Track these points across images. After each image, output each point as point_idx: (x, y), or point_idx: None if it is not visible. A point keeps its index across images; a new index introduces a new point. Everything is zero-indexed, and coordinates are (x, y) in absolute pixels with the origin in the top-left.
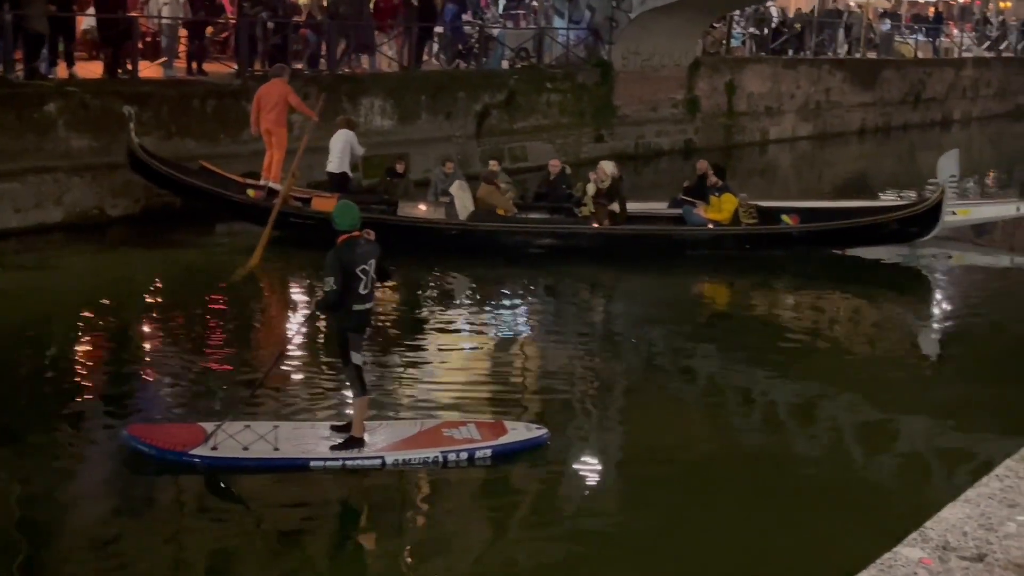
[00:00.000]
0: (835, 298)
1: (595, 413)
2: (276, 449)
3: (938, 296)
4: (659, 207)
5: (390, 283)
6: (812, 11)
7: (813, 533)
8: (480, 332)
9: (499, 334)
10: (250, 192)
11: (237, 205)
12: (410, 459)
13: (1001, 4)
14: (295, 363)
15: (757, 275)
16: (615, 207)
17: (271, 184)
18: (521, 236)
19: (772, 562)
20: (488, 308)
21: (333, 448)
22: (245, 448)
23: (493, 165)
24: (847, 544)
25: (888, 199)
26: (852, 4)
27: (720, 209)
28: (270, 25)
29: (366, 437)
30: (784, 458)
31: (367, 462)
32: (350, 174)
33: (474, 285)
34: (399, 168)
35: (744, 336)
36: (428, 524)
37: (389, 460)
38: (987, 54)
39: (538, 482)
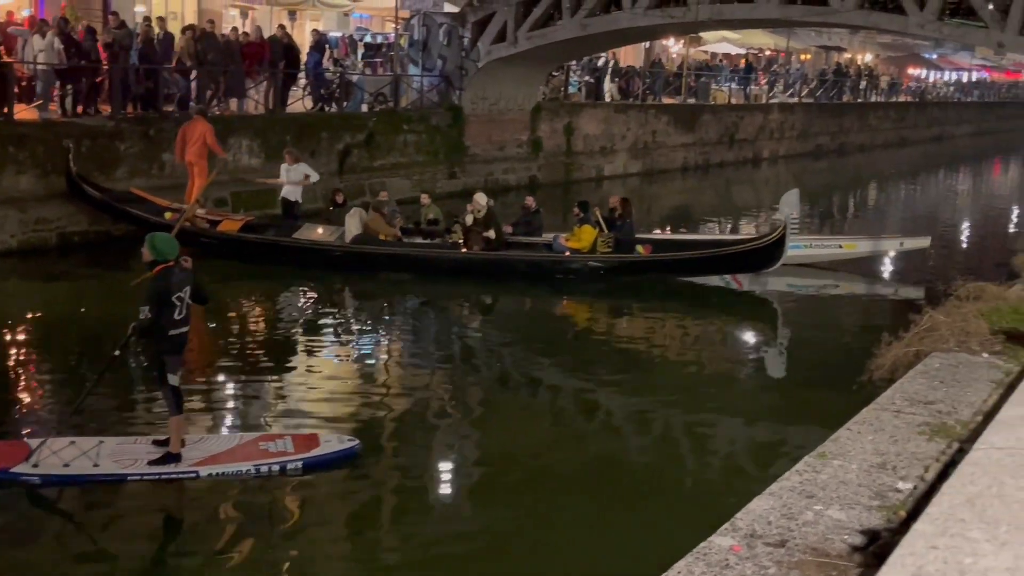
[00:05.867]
0: (677, 321)
1: (444, 424)
2: (96, 465)
3: (770, 319)
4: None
5: (205, 305)
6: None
7: (642, 525)
8: (340, 348)
9: (358, 350)
10: (167, 215)
11: (156, 226)
12: (224, 472)
13: (802, 56)
14: (131, 379)
15: (611, 299)
16: (490, 234)
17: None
18: (397, 258)
19: (604, 555)
20: (356, 325)
21: (151, 463)
22: (66, 465)
23: (382, 195)
24: (671, 536)
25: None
26: (674, 56)
27: (579, 239)
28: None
29: (185, 451)
30: (620, 461)
31: (183, 476)
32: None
33: (350, 302)
34: (338, 199)
35: (592, 353)
36: (236, 534)
37: (203, 473)
38: (791, 100)
39: (386, 490)
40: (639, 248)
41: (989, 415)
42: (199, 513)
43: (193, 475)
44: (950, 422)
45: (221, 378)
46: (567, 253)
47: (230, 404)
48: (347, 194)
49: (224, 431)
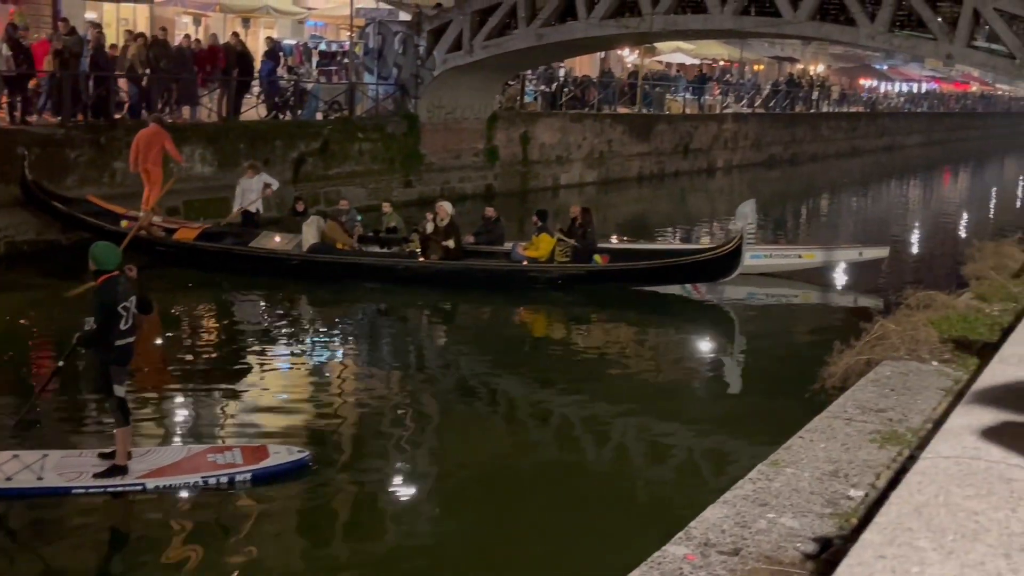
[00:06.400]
0: (634, 329)
1: (399, 434)
2: (40, 479)
3: (727, 328)
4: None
5: (152, 316)
6: (603, 71)
7: (597, 535)
8: (294, 357)
9: (313, 359)
10: (123, 223)
11: (111, 234)
12: (171, 484)
13: (755, 67)
14: (77, 391)
15: (570, 308)
16: (449, 243)
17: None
18: (354, 267)
19: (560, 564)
20: (311, 334)
21: (96, 476)
22: (9, 479)
23: (343, 204)
24: (627, 544)
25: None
26: (629, 65)
27: (537, 248)
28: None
29: (131, 464)
30: (576, 470)
31: (129, 488)
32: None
33: (306, 311)
34: (299, 207)
35: (549, 362)
36: (184, 548)
37: (150, 486)
38: (745, 110)
39: (338, 502)
40: (597, 257)
41: (939, 423)
42: (146, 526)
43: (140, 488)
44: (901, 430)
45: (170, 389)
46: (525, 262)
47: (179, 415)
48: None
49: (172, 443)
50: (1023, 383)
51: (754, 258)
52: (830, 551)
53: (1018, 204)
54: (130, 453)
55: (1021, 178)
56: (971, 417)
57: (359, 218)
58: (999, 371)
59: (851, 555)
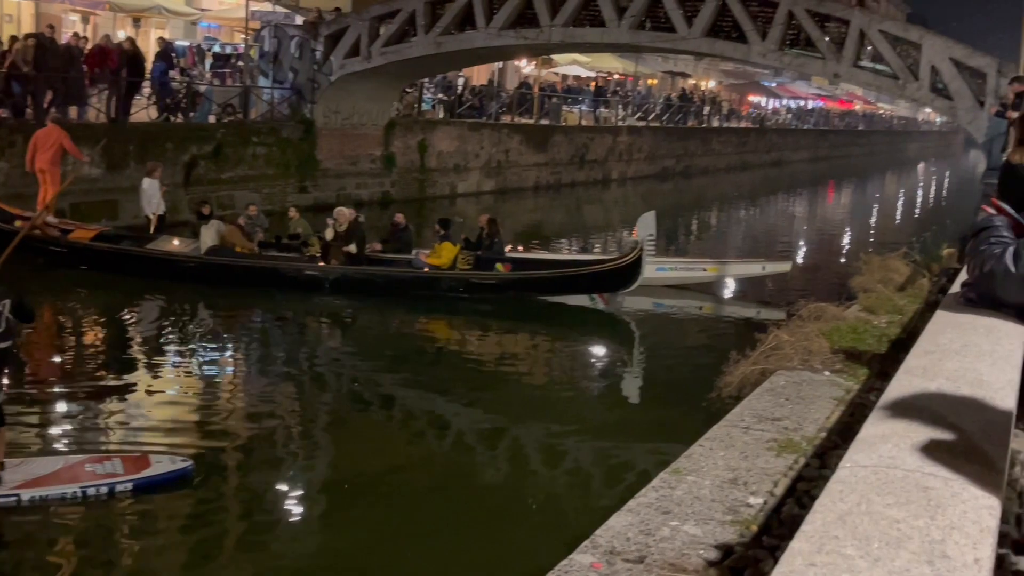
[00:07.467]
0: (535, 339)
1: (290, 443)
2: None
3: (628, 338)
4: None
5: (31, 324)
6: (491, 82)
7: (500, 545)
8: (184, 363)
9: (204, 366)
10: (18, 223)
11: (4, 233)
12: (47, 495)
13: (649, 82)
14: None
15: (472, 317)
16: (351, 248)
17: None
18: (252, 271)
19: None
20: (203, 339)
21: None
22: None
23: (251, 210)
24: (530, 554)
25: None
26: (526, 76)
27: (439, 255)
28: None
29: (6, 474)
30: (475, 479)
31: (3, 500)
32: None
33: (201, 315)
34: (204, 211)
35: (448, 371)
36: (62, 561)
37: (25, 497)
38: (639, 123)
39: (225, 513)
40: (499, 266)
41: (832, 431)
42: (22, 540)
43: (14, 499)
44: (796, 438)
45: (51, 396)
46: (426, 269)
47: (59, 424)
48: (194, 207)
49: (50, 453)
50: (929, 394)
51: (660, 271)
52: (732, 558)
53: (898, 219)
54: (3, 463)
55: (902, 193)
56: (883, 427)
57: (266, 225)
58: (906, 382)
59: (782, 563)
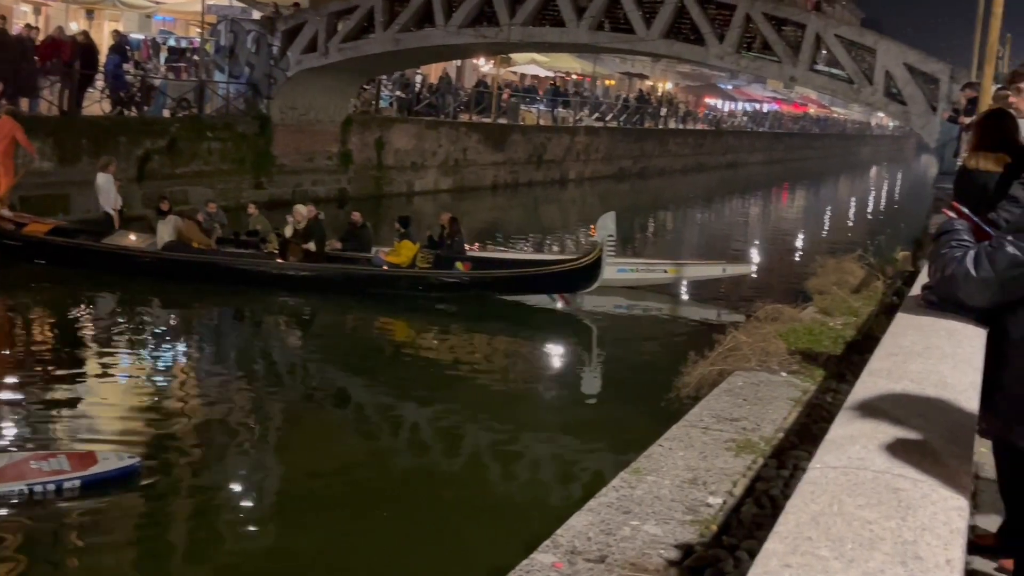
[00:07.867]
0: (495, 338)
1: (244, 441)
2: None
3: (588, 339)
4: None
5: None
6: (442, 79)
7: (460, 545)
8: (136, 359)
9: (156, 362)
10: None
11: None
12: None
13: (607, 82)
14: None
15: (431, 316)
16: (310, 246)
17: None
18: (209, 267)
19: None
20: (157, 335)
21: None
22: None
23: (210, 206)
24: (490, 554)
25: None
26: (484, 75)
27: (399, 254)
28: None
29: None
30: (434, 479)
31: None
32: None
33: (156, 311)
34: (164, 206)
35: (406, 370)
36: (7, 560)
37: None
38: (596, 124)
39: (174, 510)
40: (459, 264)
41: (790, 432)
42: None
43: None
44: (754, 438)
45: None
46: (385, 267)
47: (3, 420)
48: (147, 202)
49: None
50: (895, 395)
51: (621, 272)
52: (692, 557)
53: (852, 222)
54: None
55: (855, 196)
56: (851, 428)
57: (224, 221)
58: (871, 383)
59: (757, 564)
